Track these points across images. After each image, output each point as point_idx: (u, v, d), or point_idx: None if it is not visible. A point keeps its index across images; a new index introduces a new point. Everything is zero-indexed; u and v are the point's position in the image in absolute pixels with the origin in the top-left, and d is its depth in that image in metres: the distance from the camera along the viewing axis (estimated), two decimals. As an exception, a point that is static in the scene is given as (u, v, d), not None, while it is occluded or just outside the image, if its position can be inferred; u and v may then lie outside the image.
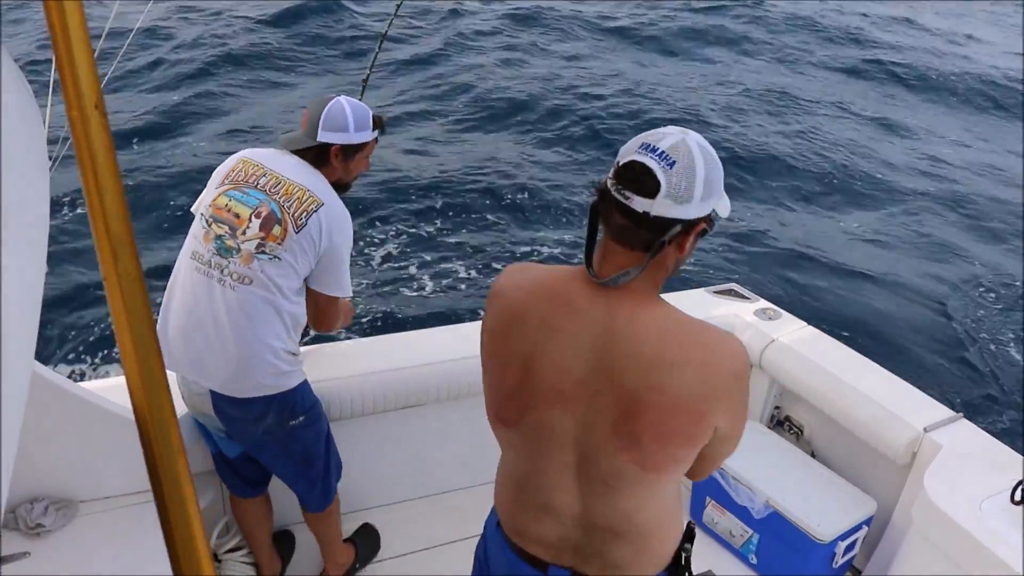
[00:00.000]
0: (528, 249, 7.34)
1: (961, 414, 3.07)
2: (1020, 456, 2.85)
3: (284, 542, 3.17)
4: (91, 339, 5.71)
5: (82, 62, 0.79)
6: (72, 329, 5.78)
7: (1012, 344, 6.64)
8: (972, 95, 13.06)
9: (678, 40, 13.98)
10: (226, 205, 2.51)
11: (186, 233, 2.58)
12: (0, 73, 0.81)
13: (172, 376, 2.62)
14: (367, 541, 3.24)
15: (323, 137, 2.58)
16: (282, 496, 2.96)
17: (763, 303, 3.75)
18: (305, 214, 2.48)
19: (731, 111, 10.99)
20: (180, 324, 2.51)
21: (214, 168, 2.67)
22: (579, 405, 1.57)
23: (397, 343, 3.36)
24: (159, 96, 9.91)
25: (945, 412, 3.08)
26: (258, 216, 2.47)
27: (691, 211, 1.45)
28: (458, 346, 3.24)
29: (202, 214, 2.55)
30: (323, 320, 2.70)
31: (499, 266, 7.05)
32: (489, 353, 1.71)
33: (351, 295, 2.69)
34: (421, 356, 3.20)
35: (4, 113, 0.78)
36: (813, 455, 3.39)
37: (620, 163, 1.47)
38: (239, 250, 2.45)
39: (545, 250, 7.33)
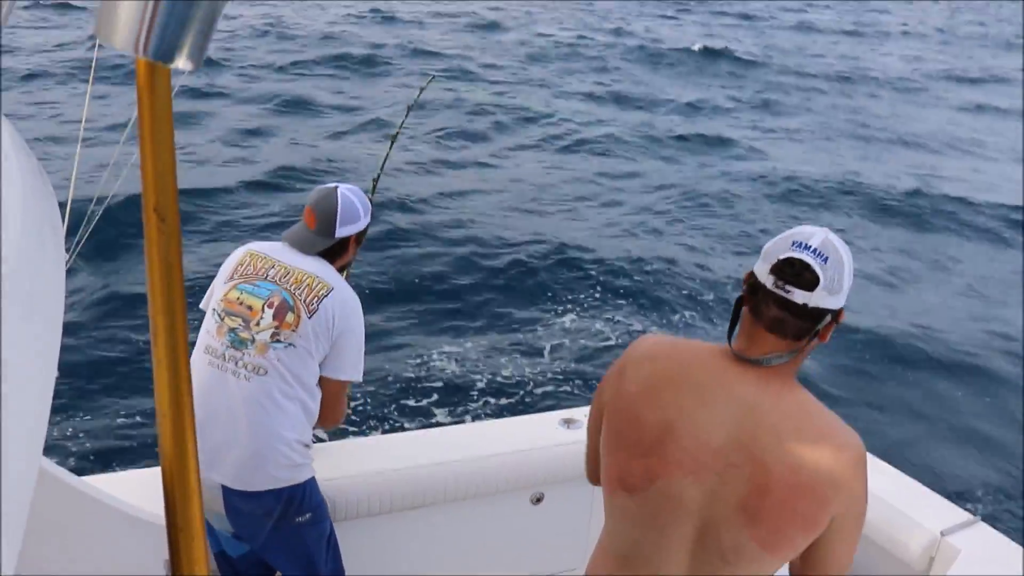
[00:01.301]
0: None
1: (979, 517, 3.01)
2: None
3: None
4: (99, 439, 5.68)
5: (164, 166, 0.83)
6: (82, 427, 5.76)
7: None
8: None
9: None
10: (238, 299, 2.57)
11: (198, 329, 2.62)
12: (16, 164, 0.84)
13: None
14: None
15: (342, 232, 2.68)
16: None
17: None
18: (316, 299, 2.55)
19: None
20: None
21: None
22: (711, 476, 1.62)
23: (399, 442, 3.35)
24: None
25: (962, 515, 3.01)
26: (271, 306, 2.53)
27: (839, 300, 1.61)
28: (461, 447, 3.22)
29: (214, 309, 2.60)
30: (332, 409, 2.70)
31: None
32: (626, 415, 1.73)
33: (361, 379, 2.71)
34: (423, 456, 3.16)
35: (23, 206, 0.80)
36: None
37: (779, 259, 1.60)
38: (254, 341, 2.50)
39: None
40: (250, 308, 2.54)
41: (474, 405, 6.47)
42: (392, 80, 16.52)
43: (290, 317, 2.52)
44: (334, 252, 2.70)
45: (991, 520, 3.10)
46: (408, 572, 3.29)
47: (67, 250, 1.20)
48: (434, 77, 4.06)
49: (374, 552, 3.16)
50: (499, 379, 6.80)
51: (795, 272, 1.58)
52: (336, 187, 2.72)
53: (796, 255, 1.59)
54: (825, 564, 1.70)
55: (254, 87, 15.17)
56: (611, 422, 1.76)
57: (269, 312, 2.52)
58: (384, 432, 5.89)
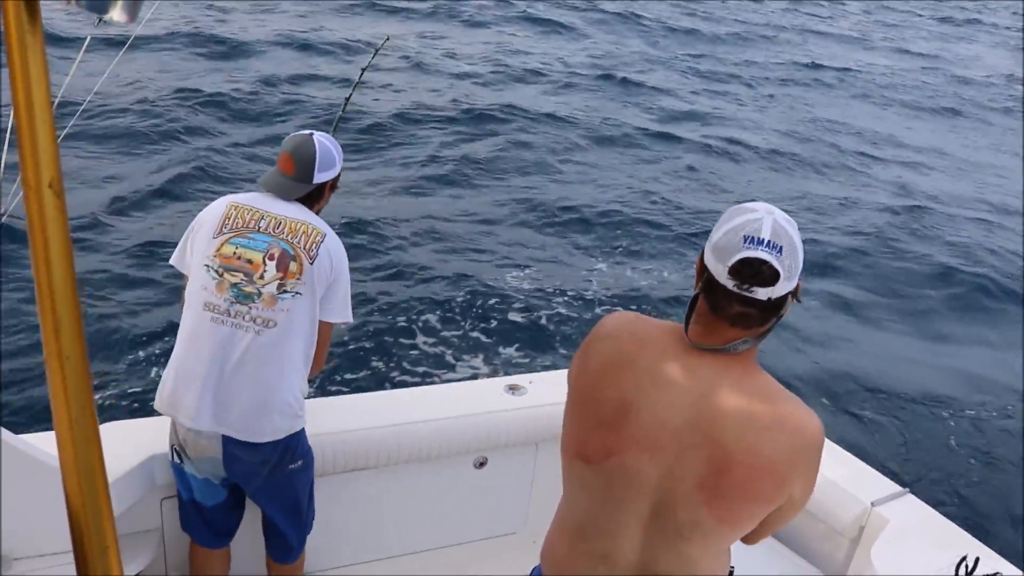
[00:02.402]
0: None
1: (908, 489, 3.11)
2: (964, 532, 2.89)
3: None
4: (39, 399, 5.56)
5: (43, 139, 0.78)
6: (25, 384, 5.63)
7: (960, 418, 6.75)
8: None
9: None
10: (234, 253, 2.58)
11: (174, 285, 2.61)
12: None
13: (166, 420, 2.66)
14: None
15: (320, 178, 2.73)
16: (241, 550, 2.96)
17: None
18: (314, 246, 2.62)
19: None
20: (199, 374, 2.52)
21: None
22: (669, 455, 1.64)
23: (342, 405, 3.35)
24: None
25: (892, 487, 3.12)
26: (271, 258, 2.57)
27: (795, 280, 1.61)
28: (405, 411, 3.23)
29: (207, 265, 2.58)
30: (321, 352, 2.75)
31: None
32: (587, 391, 1.76)
33: (353, 321, 2.79)
34: (367, 419, 3.17)
35: None
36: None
37: (735, 260, 1.56)
38: (260, 294, 2.54)
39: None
40: (250, 262, 2.55)
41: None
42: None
43: (293, 266, 2.56)
44: (312, 198, 2.74)
45: (920, 492, 3.21)
46: (350, 533, 3.31)
47: None
48: (388, 38, 4.02)
49: (316, 513, 3.16)
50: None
51: (754, 272, 1.55)
52: (312, 134, 2.75)
53: (751, 255, 1.55)
54: (769, 528, 1.77)
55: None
56: (572, 397, 1.80)
57: (271, 264, 2.55)
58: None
